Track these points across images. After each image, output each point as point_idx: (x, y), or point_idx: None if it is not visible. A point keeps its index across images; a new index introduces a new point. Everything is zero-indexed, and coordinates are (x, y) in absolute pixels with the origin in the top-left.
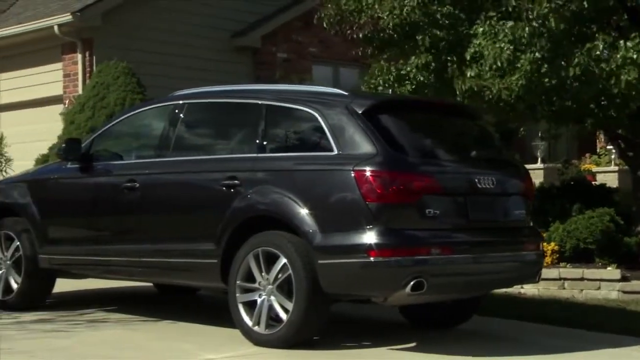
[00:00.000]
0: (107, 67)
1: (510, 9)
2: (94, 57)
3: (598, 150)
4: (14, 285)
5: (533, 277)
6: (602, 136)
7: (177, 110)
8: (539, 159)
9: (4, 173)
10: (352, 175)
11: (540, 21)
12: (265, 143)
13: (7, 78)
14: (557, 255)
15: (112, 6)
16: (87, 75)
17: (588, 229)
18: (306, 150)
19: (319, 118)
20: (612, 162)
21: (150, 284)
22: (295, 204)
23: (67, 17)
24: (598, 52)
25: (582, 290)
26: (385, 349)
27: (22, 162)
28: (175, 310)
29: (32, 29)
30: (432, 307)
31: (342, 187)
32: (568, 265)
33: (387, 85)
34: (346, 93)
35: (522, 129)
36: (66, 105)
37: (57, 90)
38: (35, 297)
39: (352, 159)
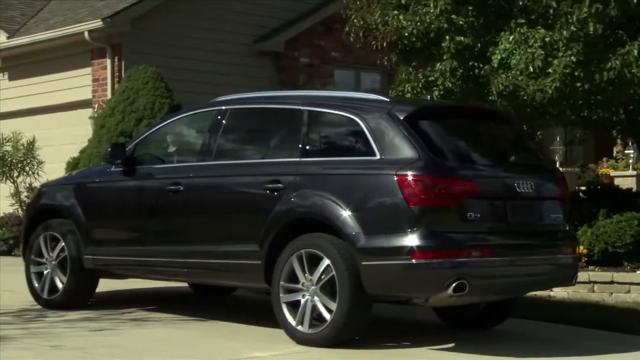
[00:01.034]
0: (137, 72)
1: (540, 15)
2: (123, 62)
3: (615, 155)
4: (59, 285)
5: (570, 279)
6: (619, 140)
7: (219, 116)
8: (557, 163)
9: (35, 175)
10: (395, 179)
11: (578, 25)
12: (308, 147)
13: (36, 82)
14: (586, 259)
15: (141, 13)
16: (116, 79)
17: (617, 233)
18: (348, 154)
19: (361, 123)
20: (630, 167)
21: (184, 285)
22: (339, 206)
23: (97, 23)
24: (632, 58)
25: (611, 293)
26: (425, 349)
27: (53, 164)
28: (213, 310)
29: (62, 35)
30: (468, 309)
31: (385, 190)
32: (597, 269)
33: (415, 91)
34: (387, 99)
35: (539, 133)
36: (95, 109)
37: (86, 94)
38: (79, 296)
39: (395, 163)
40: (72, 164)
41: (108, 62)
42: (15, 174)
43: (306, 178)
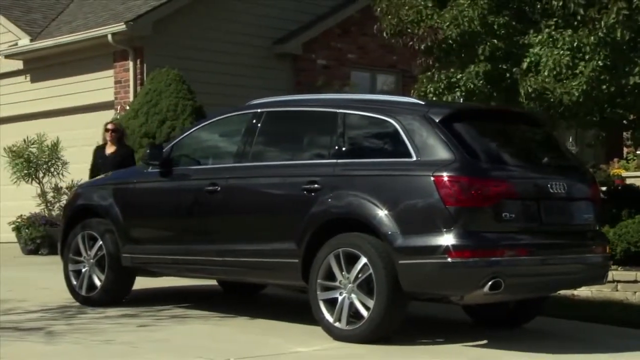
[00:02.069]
0: (159, 75)
1: (569, 18)
2: (145, 65)
3: (625, 155)
4: (97, 283)
5: (601, 278)
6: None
7: (255, 118)
8: None
9: (60, 176)
10: (432, 180)
11: (605, 31)
12: (344, 149)
13: (58, 84)
14: None
15: (162, 16)
16: (138, 82)
17: (639, 232)
18: (384, 156)
19: (397, 126)
20: None
21: (213, 283)
22: (375, 206)
23: (121, 27)
24: None
25: (635, 292)
26: (459, 346)
27: (75, 165)
28: (245, 308)
29: (86, 38)
30: (498, 307)
31: (421, 191)
32: (619, 268)
33: (437, 92)
34: (422, 102)
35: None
36: (117, 111)
37: (108, 96)
38: (117, 293)
39: (431, 165)
40: None
41: (130, 64)
42: (41, 174)
43: (343, 179)
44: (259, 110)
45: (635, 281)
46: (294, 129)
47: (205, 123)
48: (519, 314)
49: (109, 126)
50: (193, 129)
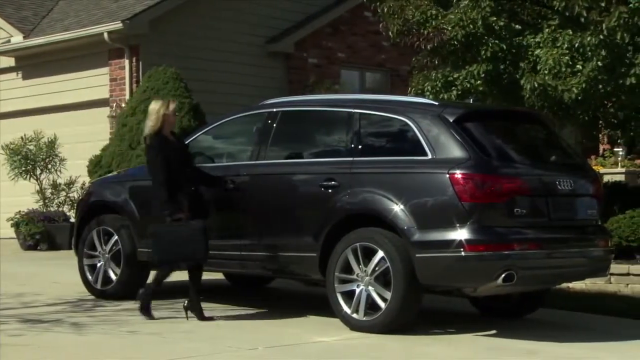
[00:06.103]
0: (157, 73)
1: (565, 19)
2: (140, 63)
3: (602, 152)
4: (113, 277)
5: (604, 271)
6: (606, 138)
7: (271, 118)
8: None
9: (58, 172)
10: (447, 177)
11: (606, 33)
12: (360, 147)
13: (51, 82)
14: None
15: (158, 15)
16: (134, 79)
17: (630, 227)
18: (400, 154)
19: (412, 125)
20: (619, 164)
21: (220, 277)
22: (392, 202)
23: (117, 25)
24: None
25: (627, 284)
26: (471, 335)
27: (73, 161)
28: (258, 301)
29: (81, 35)
30: (503, 299)
31: (437, 188)
32: (612, 262)
33: (434, 90)
34: (436, 103)
35: None
36: (113, 108)
37: (103, 94)
38: (132, 287)
39: (447, 162)
40: (95, 162)
41: (126, 62)
42: (38, 171)
43: (360, 176)
44: (274, 110)
45: (628, 274)
46: (310, 128)
47: (219, 122)
48: (523, 305)
49: (174, 106)
50: (207, 129)
